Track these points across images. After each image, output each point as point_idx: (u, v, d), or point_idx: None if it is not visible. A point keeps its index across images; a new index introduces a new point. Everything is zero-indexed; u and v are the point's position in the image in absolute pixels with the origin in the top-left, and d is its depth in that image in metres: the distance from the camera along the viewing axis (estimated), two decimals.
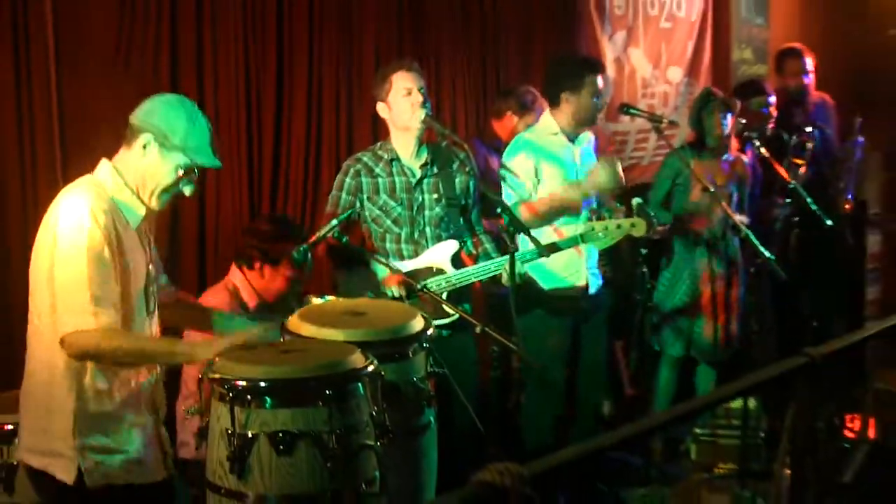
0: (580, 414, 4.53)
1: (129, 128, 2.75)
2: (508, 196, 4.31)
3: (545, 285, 4.38)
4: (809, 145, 5.42)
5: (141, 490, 2.75)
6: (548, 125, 4.41)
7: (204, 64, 4.44)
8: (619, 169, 4.33)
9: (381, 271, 3.78)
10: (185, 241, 4.39)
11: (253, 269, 3.86)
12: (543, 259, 4.10)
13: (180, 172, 2.74)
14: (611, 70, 6.15)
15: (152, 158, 2.72)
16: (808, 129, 5.47)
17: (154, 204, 2.78)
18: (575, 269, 4.40)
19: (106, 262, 2.62)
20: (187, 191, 2.81)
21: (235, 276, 3.92)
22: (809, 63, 6.02)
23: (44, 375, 2.68)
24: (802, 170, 5.31)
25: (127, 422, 2.75)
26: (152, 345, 2.79)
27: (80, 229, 2.61)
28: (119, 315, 2.65)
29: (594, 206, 4.41)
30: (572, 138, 4.41)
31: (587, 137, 4.53)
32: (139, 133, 2.72)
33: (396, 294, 3.70)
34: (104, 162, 2.78)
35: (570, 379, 4.45)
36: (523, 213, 4.17)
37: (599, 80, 4.35)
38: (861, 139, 6.03)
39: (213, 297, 3.83)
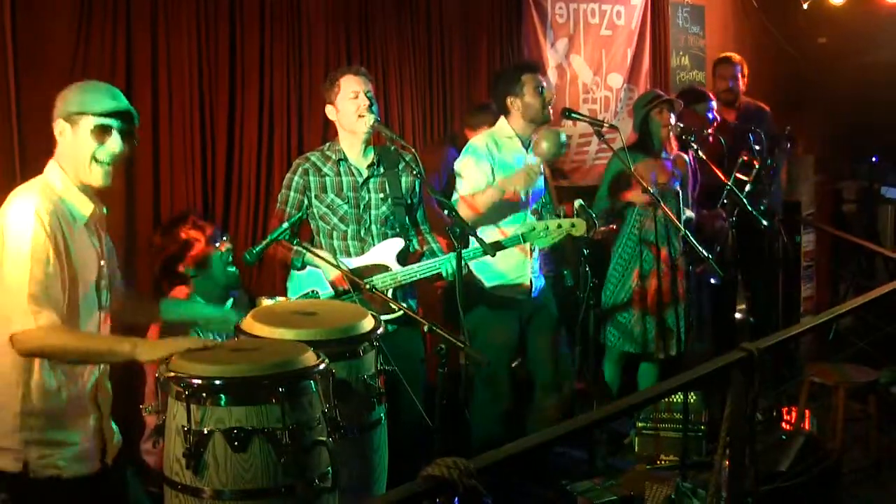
0: (534, 409, 4.62)
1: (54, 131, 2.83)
2: (456, 196, 4.40)
3: (488, 283, 4.47)
4: (756, 164, 5.55)
5: (79, 482, 2.81)
6: (503, 129, 4.54)
7: (158, 70, 4.46)
8: (563, 137, 4.46)
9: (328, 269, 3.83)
10: (141, 241, 4.39)
11: (181, 276, 3.87)
12: (492, 259, 4.18)
13: (96, 130, 2.78)
14: (553, 76, 6.27)
15: (69, 138, 2.80)
16: (757, 147, 5.60)
17: (98, 179, 2.81)
18: (521, 269, 4.50)
19: (49, 262, 2.68)
20: (117, 147, 2.81)
21: (181, 292, 3.96)
22: (739, 69, 6.26)
23: None
24: (747, 187, 5.42)
25: (72, 417, 2.81)
26: (95, 343, 2.83)
27: (25, 230, 2.67)
28: (61, 314, 2.70)
29: (536, 206, 4.52)
30: (526, 144, 4.52)
31: None
32: (53, 127, 2.82)
33: (343, 291, 3.76)
34: (51, 162, 2.85)
35: (516, 374, 4.54)
36: (465, 211, 4.26)
37: (538, 78, 4.49)
38: (789, 147, 6.22)
39: None
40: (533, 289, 4.55)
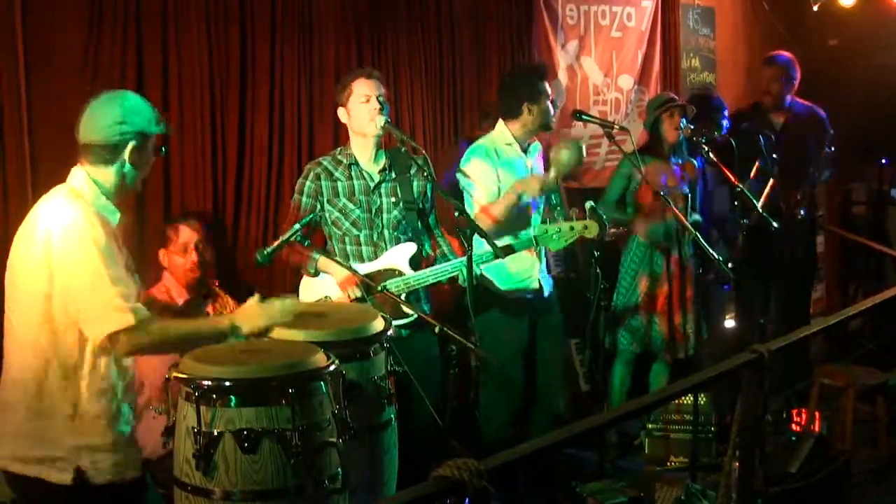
0: (538, 410, 4.63)
1: (106, 148, 2.75)
2: (470, 205, 4.39)
3: (501, 286, 4.47)
4: (771, 181, 5.50)
5: (132, 484, 2.79)
6: (503, 135, 4.49)
7: (169, 71, 4.46)
8: (583, 148, 4.45)
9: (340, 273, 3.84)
10: (151, 245, 4.41)
11: (168, 249, 4.12)
12: (503, 261, 4.19)
13: (155, 147, 2.86)
14: (564, 78, 6.27)
15: (136, 158, 2.78)
16: (774, 155, 5.55)
17: (139, 187, 2.90)
18: (529, 272, 4.51)
19: (116, 257, 2.67)
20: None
21: (169, 280, 4.12)
22: (784, 72, 6.03)
23: (33, 383, 2.68)
24: (763, 199, 5.35)
25: (119, 421, 2.77)
26: (196, 326, 2.88)
27: (82, 231, 2.63)
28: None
29: (552, 203, 4.52)
30: (525, 149, 4.52)
31: (538, 148, 4.64)
32: (122, 146, 2.76)
33: (355, 295, 3.77)
34: (78, 171, 2.79)
35: (527, 375, 4.55)
36: (484, 221, 4.24)
37: (549, 85, 4.50)
38: (831, 150, 6.13)
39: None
40: (543, 290, 4.55)
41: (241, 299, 4.04)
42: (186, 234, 4.13)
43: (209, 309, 4.13)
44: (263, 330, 2.87)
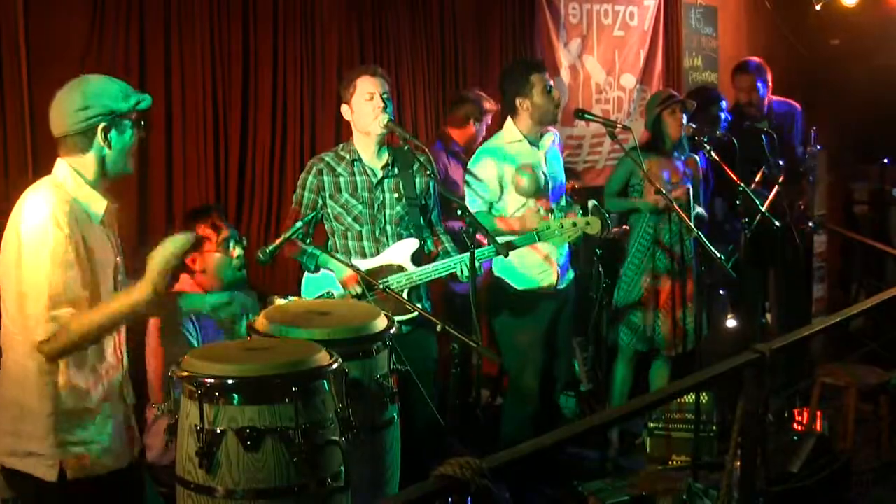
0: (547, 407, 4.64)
1: (77, 136, 2.72)
2: (473, 200, 4.40)
3: (517, 286, 4.48)
4: (780, 181, 5.48)
5: (112, 477, 2.79)
6: (511, 133, 4.52)
7: (171, 67, 4.48)
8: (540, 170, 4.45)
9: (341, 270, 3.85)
10: (153, 240, 4.40)
11: (188, 268, 3.90)
12: (514, 261, 4.20)
13: (136, 124, 2.79)
14: (566, 76, 6.28)
15: (111, 140, 2.74)
16: (780, 161, 5.54)
17: (130, 167, 2.82)
18: (544, 269, 4.51)
19: (71, 265, 2.63)
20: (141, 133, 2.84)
21: (185, 282, 3.98)
22: (759, 78, 6.04)
23: (17, 378, 2.70)
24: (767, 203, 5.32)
25: (102, 414, 2.78)
26: (113, 308, 2.70)
27: (44, 232, 2.62)
28: (80, 309, 2.65)
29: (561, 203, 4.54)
30: (535, 143, 4.53)
31: (550, 138, 4.65)
32: (92, 131, 2.72)
33: (356, 292, 3.77)
34: (61, 162, 2.77)
35: (547, 377, 4.55)
36: (500, 225, 4.31)
37: (546, 78, 4.48)
38: (819, 147, 6.14)
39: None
40: (559, 280, 4.55)
41: None
42: (226, 231, 3.97)
43: None
44: (164, 274, 2.67)
